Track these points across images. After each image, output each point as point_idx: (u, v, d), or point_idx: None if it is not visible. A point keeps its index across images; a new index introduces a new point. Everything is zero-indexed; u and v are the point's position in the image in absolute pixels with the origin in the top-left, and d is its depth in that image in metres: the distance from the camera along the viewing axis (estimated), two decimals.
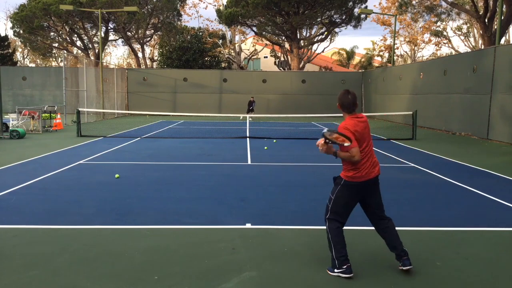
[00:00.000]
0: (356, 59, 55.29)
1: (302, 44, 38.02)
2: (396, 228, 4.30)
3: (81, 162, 10.35)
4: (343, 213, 4.13)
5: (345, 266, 4.01)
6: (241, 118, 27.44)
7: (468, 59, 18.84)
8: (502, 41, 34.81)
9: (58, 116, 19.17)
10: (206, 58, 40.40)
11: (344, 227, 4.18)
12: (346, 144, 3.87)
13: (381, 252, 4.61)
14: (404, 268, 4.09)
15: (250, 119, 27.24)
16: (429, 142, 15.37)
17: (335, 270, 4.06)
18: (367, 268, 4.30)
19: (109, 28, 40.06)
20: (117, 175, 8.68)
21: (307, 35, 38.86)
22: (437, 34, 44.43)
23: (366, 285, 3.94)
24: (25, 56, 62.29)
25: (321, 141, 4.01)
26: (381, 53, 50.76)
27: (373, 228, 4.34)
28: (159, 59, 41.84)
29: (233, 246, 4.85)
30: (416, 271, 4.21)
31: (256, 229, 5.46)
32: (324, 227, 4.23)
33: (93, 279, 3.97)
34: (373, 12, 30.72)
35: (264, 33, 37.20)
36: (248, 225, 5.58)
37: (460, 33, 45.98)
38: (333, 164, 10.58)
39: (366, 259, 4.51)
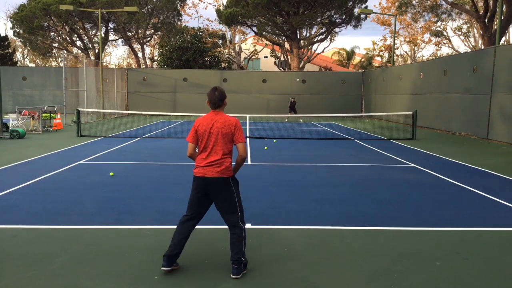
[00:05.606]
0: (356, 59, 55.25)
1: (302, 44, 38.01)
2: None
3: (81, 162, 10.35)
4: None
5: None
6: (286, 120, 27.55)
7: (468, 59, 18.83)
8: (502, 41, 34.81)
9: (58, 116, 19.17)
10: (206, 58, 40.38)
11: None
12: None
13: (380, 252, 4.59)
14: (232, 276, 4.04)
15: (286, 119, 27.47)
16: (429, 142, 15.37)
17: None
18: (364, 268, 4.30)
19: (109, 28, 40.06)
20: (111, 173, 8.70)
21: (307, 35, 38.85)
22: (437, 34, 44.41)
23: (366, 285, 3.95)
24: (25, 56, 62.29)
25: None
26: (381, 53, 50.75)
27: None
28: (159, 59, 41.84)
29: None
30: (416, 271, 4.22)
31: (256, 229, 5.46)
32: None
33: (93, 279, 3.97)
34: (373, 12, 30.72)
35: (264, 33, 37.17)
36: (248, 225, 5.57)
37: (460, 33, 45.98)
38: (333, 164, 10.58)
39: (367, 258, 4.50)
